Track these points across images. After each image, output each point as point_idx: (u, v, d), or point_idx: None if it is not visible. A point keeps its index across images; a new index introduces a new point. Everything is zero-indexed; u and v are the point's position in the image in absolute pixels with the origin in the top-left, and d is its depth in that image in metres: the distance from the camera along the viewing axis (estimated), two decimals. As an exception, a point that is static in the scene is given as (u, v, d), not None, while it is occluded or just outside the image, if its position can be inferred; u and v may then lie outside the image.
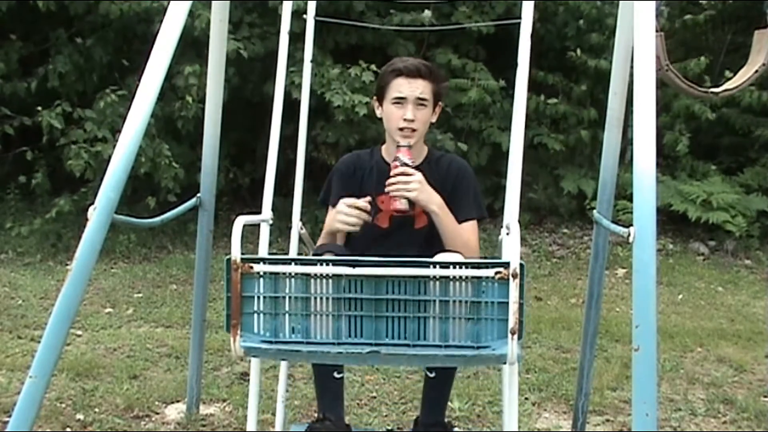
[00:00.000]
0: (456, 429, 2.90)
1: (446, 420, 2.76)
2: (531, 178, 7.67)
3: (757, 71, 3.03)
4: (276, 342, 2.00)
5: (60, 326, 2.09)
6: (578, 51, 7.47)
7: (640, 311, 1.98)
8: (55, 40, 6.91)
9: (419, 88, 2.48)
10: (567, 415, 3.55)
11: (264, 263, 2.00)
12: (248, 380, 3.87)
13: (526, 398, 3.72)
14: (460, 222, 2.52)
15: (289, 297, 2.00)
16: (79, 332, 4.59)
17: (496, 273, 1.93)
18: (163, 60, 2.32)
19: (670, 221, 7.42)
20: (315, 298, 1.99)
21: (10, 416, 2.11)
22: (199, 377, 3.48)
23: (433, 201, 2.44)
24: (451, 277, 1.95)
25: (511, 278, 1.91)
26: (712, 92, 3.10)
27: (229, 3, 3.11)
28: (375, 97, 2.61)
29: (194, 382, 3.44)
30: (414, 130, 2.48)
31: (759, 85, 7.52)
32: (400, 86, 2.48)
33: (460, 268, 1.96)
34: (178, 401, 3.61)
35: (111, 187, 2.16)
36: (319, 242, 2.61)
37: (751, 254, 7.18)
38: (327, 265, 1.98)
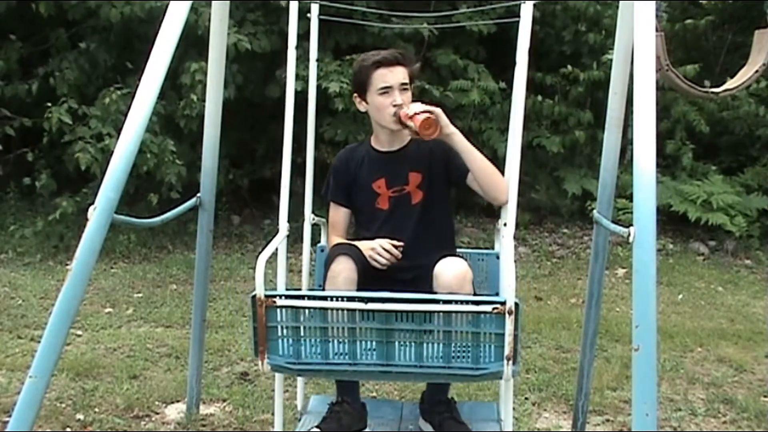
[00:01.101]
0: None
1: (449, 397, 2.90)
2: (531, 178, 7.67)
3: (757, 71, 3.03)
4: (298, 363, 2.24)
5: (60, 326, 2.09)
6: (569, 66, 7.49)
7: (640, 311, 1.98)
8: (55, 41, 6.91)
9: (401, 74, 2.64)
10: (567, 415, 3.55)
11: (285, 298, 2.20)
12: (248, 380, 3.90)
13: (526, 398, 3.73)
14: (466, 172, 2.66)
15: (308, 327, 2.21)
16: (79, 332, 4.59)
17: (494, 309, 2.12)
18: (163, 60, 2.32)
19: (670, 221, 7.42)
20: (332, 327, 2.20)
21: (10, 416, 2.11)
22: (199, 377, 3.48)
23: (451, 124, 2.59)
24: (453, 312, 2.15)
25: (507, 314, 2.10)
26: (712, 92, 3.10)
27: (229, 3, 3.11)
28: (355, 94, 2.74)
29: (194, 382, 3.44)
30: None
31: (757, 98, 7.54)
32: (384, 76, 2.62)
33: (461, 304, 2.16)
34: (178, 401, 3.61)
35: (111, 187, 2.16)
36: (328, 238, 2.81)
37: (751, 254, 7.18)
38: (342, 300, 2.19)
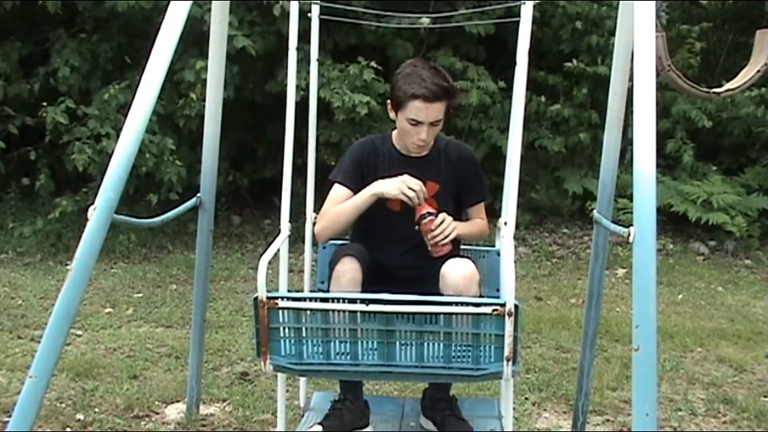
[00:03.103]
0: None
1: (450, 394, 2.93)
2: (532, 178, 7.66)
3: (759, 71, 3.03)
4: (300, 363, 2.27)
5: (60, 326, 2.09)
6: (574, 61, 7.46)
7: (640, 311, 1.98)
8: (55, 40, 6.90)
9: (435, 111, 2.55)
10: (567, 415, 3.55)
11: (287, 300, 2.23)
12: (248, 380, 3.90)
13: (526, 398, 3.73)
14: (472, 204, 2.78)
15: (310, 327, 2.24)
16: (79, 332, 4.59)
17: (494, 310, 2.14)
18: (163, 59, 2.32)
19: (670, 221, 7.41)
20: (333, 328, 2.23)
21: (10, 416, 2.12)
22: (199, 377, 3.48)
23: (458, 228, 2.62)
24: (453, 313, 2.18)
25: (506, 316, 2.13)
26: (714, 92, 3.09)
27: (228, 3, 3.11)
28: (390, 101, 2.66)
29: (194, 382, 3.44)
30: (426, 145, 2.66)
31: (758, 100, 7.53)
32: (418, 110, 2.53)
33: (462, 306, 2.18)
34: (178, 401, 3.61)
35: (111, 187, 2.16)
36: (321, 213, 2.71)
37: (751, 254, 7.17)
38: (343, 302, 2.21)
